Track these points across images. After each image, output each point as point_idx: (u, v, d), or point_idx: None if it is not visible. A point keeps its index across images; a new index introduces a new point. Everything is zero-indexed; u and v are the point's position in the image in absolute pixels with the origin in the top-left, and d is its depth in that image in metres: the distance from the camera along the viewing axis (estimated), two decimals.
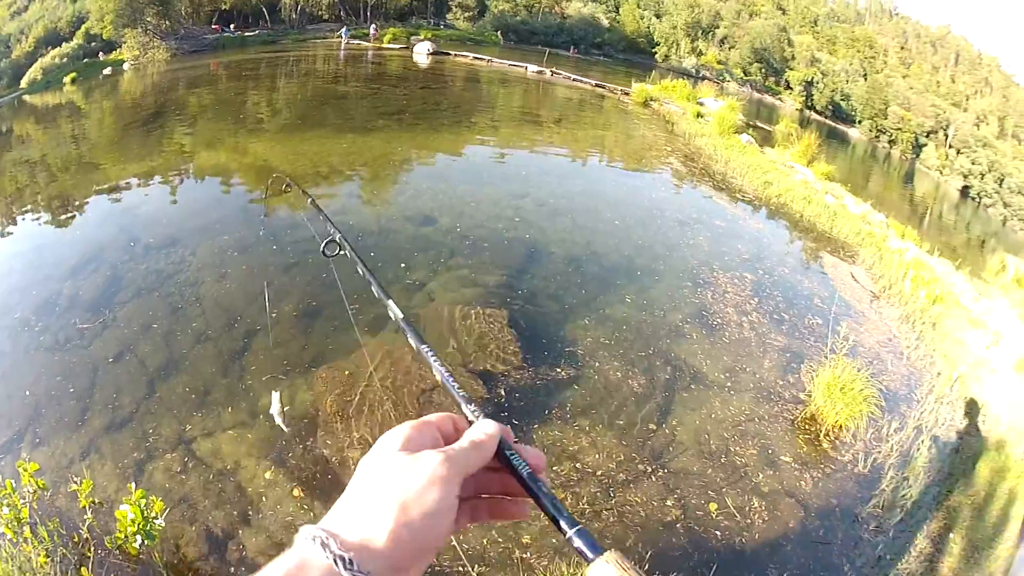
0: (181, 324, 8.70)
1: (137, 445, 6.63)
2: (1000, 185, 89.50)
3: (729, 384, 8.88)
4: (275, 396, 6.01)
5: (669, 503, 6.61)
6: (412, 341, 1.35)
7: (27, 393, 7.46)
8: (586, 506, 6.36)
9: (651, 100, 34.57)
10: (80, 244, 11.45)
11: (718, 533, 6.37)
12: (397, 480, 0.78)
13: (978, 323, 13.68)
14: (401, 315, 1.48)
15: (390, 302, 1.52)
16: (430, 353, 1.28)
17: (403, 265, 10.65)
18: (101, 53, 45.59)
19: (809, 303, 12.12)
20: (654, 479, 6.90)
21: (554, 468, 6.69)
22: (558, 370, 8.34)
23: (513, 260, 11.37)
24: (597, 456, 7.03)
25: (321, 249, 2.76)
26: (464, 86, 35.97)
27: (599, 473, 6.79)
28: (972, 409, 10.20)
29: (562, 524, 0.86)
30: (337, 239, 2.66)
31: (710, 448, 7.59)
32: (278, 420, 6.02)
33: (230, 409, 7.18)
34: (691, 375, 8.90)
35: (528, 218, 13.16)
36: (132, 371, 7.77)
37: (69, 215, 13.30)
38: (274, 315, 8.83)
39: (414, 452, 0.82)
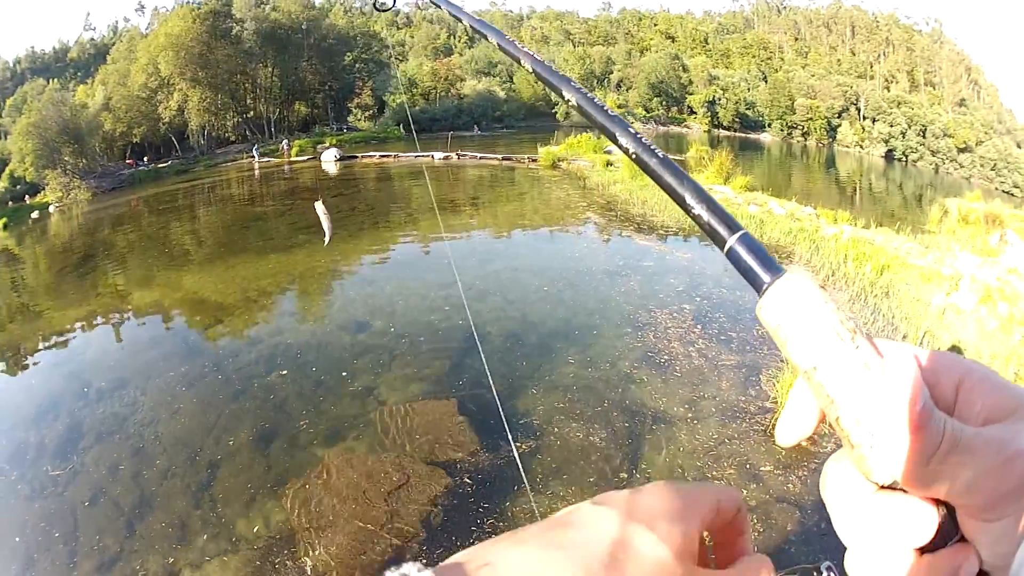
0: (146, 463, 8.66)
1: None
2: (924, 136, 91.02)
3: (691, 415, 8.93)
4: (320, 208, 6.15)
5: None
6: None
7: (17, 540, 7.49)
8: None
9: (559, 161, 35.37)
10: (36, 393, 11.50)
11: None
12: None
13: (932, 276, 13.87)
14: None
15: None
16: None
17: (345, 374, 10.65)
18: (27, 196, 46.41)
19: (753, 316, 12.21)
20: None
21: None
22: (517, 444, 8.27)
23: (451, 348, 11.42)
24: None
25: (372, 3, 2.68)
26: (376, 186, 36.38)
27: None
28: None
29: (719, 231, 0.67)
30: None
31: (687, 480, 7.58)
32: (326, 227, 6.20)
33: (208, 538, 7.13)
34: (651, 417, 8.93)
35: (458, 304, 13.10)
36: (109, 512, 7.76)
37: (21, 365, 13.39)
38: (231, 442, 8.81)
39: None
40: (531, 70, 1.07)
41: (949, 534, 0.50)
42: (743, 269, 0.62)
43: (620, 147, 0.84)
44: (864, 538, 0.52)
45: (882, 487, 0.51)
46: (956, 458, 0.46)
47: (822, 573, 3.83)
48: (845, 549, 0.54)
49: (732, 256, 0.63)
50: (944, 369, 0.52)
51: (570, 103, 0.97)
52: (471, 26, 1.36)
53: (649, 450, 8.21)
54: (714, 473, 7.70)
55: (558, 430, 8.69)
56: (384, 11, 2.75)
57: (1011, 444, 0.46)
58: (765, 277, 0.59)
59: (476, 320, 12.35)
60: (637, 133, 0.82)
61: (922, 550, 0.50)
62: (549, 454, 8.16)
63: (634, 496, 0.54)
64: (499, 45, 1.20)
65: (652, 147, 0.79)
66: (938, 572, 0.49)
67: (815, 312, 0.54)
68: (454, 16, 1.47)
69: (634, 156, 0.81)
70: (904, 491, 0.50)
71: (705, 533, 0.56)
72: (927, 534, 0.49)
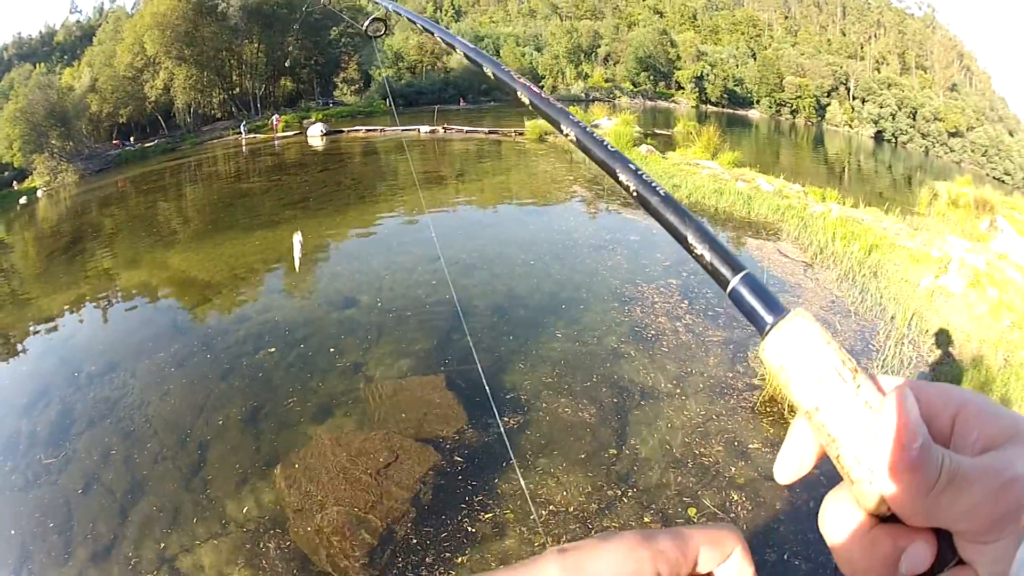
0: (137, 447, 8.65)
1: (123, 571, 6.59)
2: (914, 118, 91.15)
3: (679, 391, 8.97)
4: (296, 238, 6.28)
5: (647, 519, 6.63)
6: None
7: (12, 532, 7.47)
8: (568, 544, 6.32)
9: (546, 134, 35.07)
10: (27, 380, 11.45)
11: None
12: None
13: (921, 258, 13.96)
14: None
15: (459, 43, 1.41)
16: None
17: (333, 350, 10.65)
18: (15, 182, 45.93)
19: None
20: (627, 500, 6.93)
21: (531, 517, 6.67)
22: (505, 419, 8.34)
23: (439, 323, 11.39)
24: (566, 493, 7.04)
25: (363, 29, 2.65)
26: (362, 160, 36.20)
27: (572, 509, 6.80)
28: (938, 338, 10.47)
29: (721, 271, 0.67)
30: (388, 11, 2.44)
31: (675, 457, 7.63)
32: (297, 258, 6.39)
33: (200, 521, 7.14)
34: (639, 392, 8.97)
35: (445, 279, 13.08)
36: (102, 499, 7.74)
37: (11, 353, 13.34)
38: (221, 422, 8.80)
39: None
40: (528, 102, 1.07)
41: (947, 558, 0.51)
42: (745, 310, 0.63)
43: (621, 184, 0.83)
44: (864, 569, 0.53)
45: (881, 519, 0.52)
46: (954, 489, 0.48)
47: None
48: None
49: (734, 297, 0.64)
50: (941, 401, 0.54)
51: (568, 138, 0.95)
52: (466, 54, 1.33)
53: (638, 426, 8.24)
54: (702, 449, 7.74)
55: (546, 405, 8.72)
56: (375, 37, 2.72)
57: (1006, 471, 0.48)
58: (768, 318, 0.60)
59: (463, 295, 12.38)
60: (639, 170, 0.82)
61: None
62: (538, 429, 8.20)
63: (586, 555, 0.53)
64: (495, 75, 1.19)
65: (654, 184, 0.79)
66: None
67: (817, 354, 0.55)
68: (448, 44, 1.45)
69: (635, 194, 0.81)
70: (902, 522, 0.51)
71: None
72: (925, 563, 0.50)
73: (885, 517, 0.52)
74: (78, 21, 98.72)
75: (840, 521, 0.55)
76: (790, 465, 0.59)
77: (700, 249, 0.69)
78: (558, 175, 25.94)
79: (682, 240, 0.72)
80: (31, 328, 14.48)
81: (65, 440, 9.04)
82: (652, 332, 10.71)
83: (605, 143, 0.88)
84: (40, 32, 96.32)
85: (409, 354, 10.36)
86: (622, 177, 0.82)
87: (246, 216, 22.78)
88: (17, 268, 23.22)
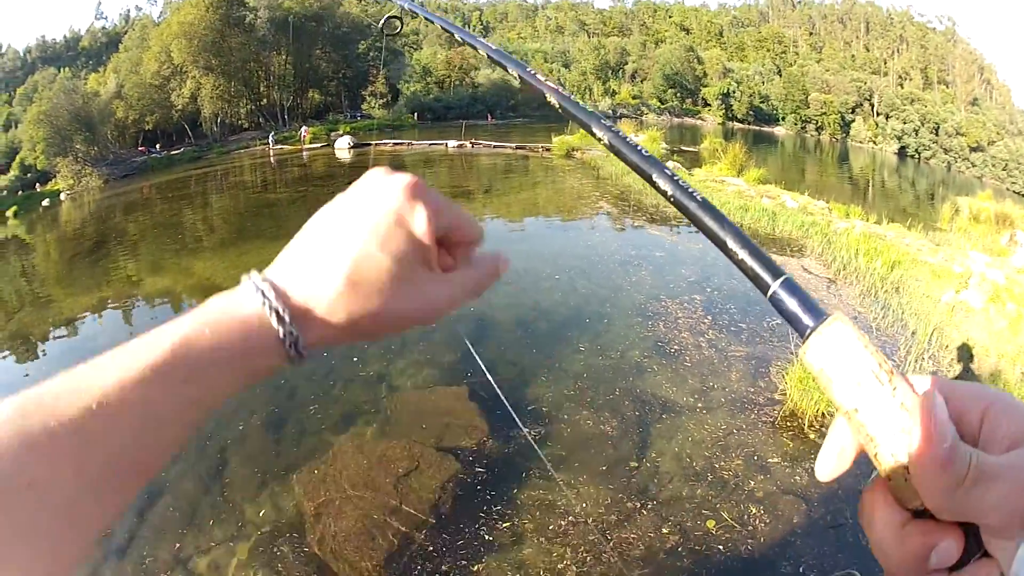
0: None
1: (136, 570, 6.60)
2: (936, 134, 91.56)
3: (700, 405, 8.91)
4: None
5: (665, 531, 6.57)
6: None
7: None
8: (586, 554, 6.30)
9: (573, 150, 35.25)
10: (46, 379, 11.45)
11: (721, 547, 6.35)
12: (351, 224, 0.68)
13: (942, 273, 13.86)
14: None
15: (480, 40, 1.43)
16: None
17: (355, 360, 10.64)
18: (38, 184, 46.70)
19: (764, 308, 12.07)
20: (646, 512, 6.88)
21: (550, 527, 6.66)
22: (526, 430, 8.30)
23: (462, 335, 11.31)
24: (585, 504, 7.00)
25: (379, 26, 2.66)
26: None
27: (591, 521, 6.74)
28: (958, 353, 10.42)
29: (762, 276, 0.69)
30: (404, 9, 2.38)
31: (695, 470, 7.59)
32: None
33: (216, 524, 7.15)
34: (660, 406, 8.92)
35: None
36: None
37: (32, 353, 13.55)
38: (241, 428, 8.83)
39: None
40: (557, 105, 1.07)
41: (973, 551, 0.54)
42: (787, 315, 0.66)
43: (658, 190, 0.84)
44: (898, 561, 0.56)
45: (914, 514, 0.56)
46: (981, 485, 0.51)
47: None
48: (856, 542, 0.58)
49: (775, 301, 0.67)
50: (970, 400, 0.57)
51: (602, 142, 0.95)
52: (490, 56, 1.33)
53: (658, 439, 8.19)
54: (722, 463, 7.69)
55: (567, 417, 8.69)
56: (393, 35, 2.72)
57: None
58: (809, 322, 0.63)
59: (487, 309, 12.33)
60: (675, 176, 0.82)
61: (949, 568, 0.54)
62: (559, 441, 8.17)
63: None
64: (521, 77, 1.18)
65: (691, 190, 0.80)
66: None
67: (856, 357, 0.58)
68: (471, 46, 1.45)
69: (672, 199, 0.81)
70: (933, 517, 0.54)
71: None
72: (953, 557, 0.54)
73: (918, 512, 0.55)
74: (104, 27, 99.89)
75: (877, 515, 0.58)
76: (831, 463, 0.64)
77: (741, 254, 0.71)
78: (584, 191, 25.96)
79: (721, 244, 0.74)
80: (52, 329, 14.73)
81: None
82: (675, 347, 10.67)
83: (639, 147, 0.89)
84: (65, 36, 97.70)
85: (432, 365, 10.35)
86: (659, 182, 0.83)
87: (272, 226, 22.88)
88: (39, 269, 23.66)
